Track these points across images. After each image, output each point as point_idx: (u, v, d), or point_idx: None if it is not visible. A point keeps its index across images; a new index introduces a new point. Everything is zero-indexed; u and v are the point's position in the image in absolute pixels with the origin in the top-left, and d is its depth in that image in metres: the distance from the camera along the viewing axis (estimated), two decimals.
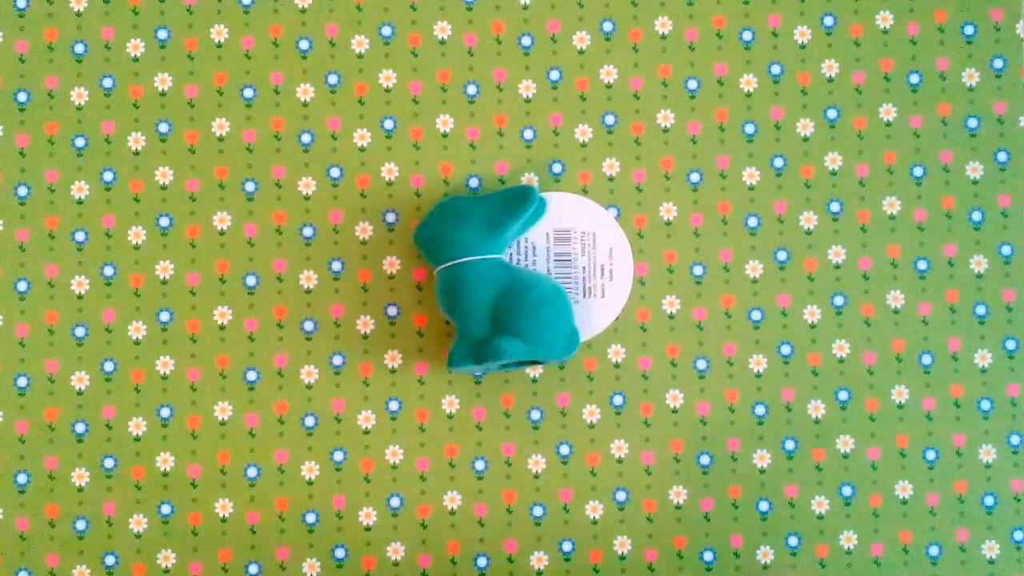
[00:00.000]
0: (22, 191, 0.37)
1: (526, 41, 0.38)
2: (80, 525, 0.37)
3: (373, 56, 0.38)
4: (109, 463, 0.37)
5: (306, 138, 0.38)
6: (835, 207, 0.38)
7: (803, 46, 0.39)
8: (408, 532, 0.37)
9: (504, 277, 0.35)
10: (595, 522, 0.38)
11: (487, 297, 0.35)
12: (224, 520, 0.37)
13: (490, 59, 0.38)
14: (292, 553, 0.37)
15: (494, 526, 0.37)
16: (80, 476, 0.37)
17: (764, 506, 0.38)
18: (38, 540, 0.37)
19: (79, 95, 0.38)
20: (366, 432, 0.37)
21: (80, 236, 0.37)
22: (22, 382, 0.37)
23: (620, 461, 0.38)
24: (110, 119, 0.38)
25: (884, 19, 0.39)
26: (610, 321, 0.38)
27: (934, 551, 0.38)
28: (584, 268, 0.38)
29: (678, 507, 0.38)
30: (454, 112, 0.38)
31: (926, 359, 0.38)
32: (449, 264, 0.35)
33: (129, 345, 0.37)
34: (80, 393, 0.37)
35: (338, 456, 0.37)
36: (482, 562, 0.37)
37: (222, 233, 0.38)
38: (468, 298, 0.35)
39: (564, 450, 0.38)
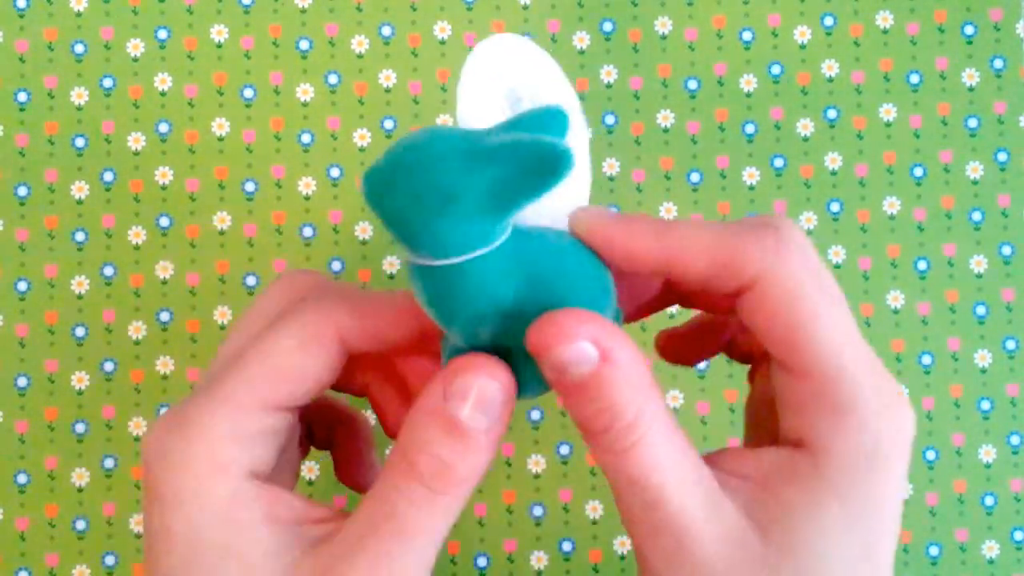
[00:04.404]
0: (22, 191, 0.37)
1: None
2: (80, 525, 0.37)
3: (373, 56, 0.38)
4: (109, 463, 0.37)
5: (306, 138, 0.38)
6: (835, 207, 0.38)
7: (803, 46, 0.39)
8: None
9: (517, 265, 0.22)
10: (595, 522, 0.38)
11: (496, 302, 0.22)
12: None
13: None
14: None
15: (494, 526, 0.37)
16: (80, 476, 0.37)
17: None
18: (38, 540, 0.37)
19: (79, 95, 0.38)
20: None
21: (80, 236, 0.37)
22: (22, 382, 0.37)
23: None
24: (110, 119, 0.38)
25: (884, 19, 0.39)
26: (588, 195, 0.25)
27: (934, 551, 0.38)
28: None
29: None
30: (454, 112, 0.38)
31: (926, 359, 0.38)
32: (431, 263, 0.21)
33: (129, 345, 0.37)
34: (80, 393, 0.37)
35: None
36: (482, 562, 0.37)
37: (222, 233, 0.38)
38: (467, 307, 0.22)
39: (564, 450, 0.38)
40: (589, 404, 0.20)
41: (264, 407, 0.22)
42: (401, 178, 0.21)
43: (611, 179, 0.38)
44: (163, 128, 0.38)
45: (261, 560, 0.21)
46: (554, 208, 0.24)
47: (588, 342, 0.20)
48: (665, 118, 0.38)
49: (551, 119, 0.22)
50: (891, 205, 0.39)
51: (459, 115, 0.23)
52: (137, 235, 0.37)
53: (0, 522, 0.37)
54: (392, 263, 0.38)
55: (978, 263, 0.39)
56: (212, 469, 0.22)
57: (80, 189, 0.37)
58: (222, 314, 0.37)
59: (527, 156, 0.20)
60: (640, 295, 0.26)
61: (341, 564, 0.21)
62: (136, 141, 0.38)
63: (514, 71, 0.23)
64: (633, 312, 0.26)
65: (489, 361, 0.22)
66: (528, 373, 0.22)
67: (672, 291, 0.26)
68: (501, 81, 0.23)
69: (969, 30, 0.39)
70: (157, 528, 0.22)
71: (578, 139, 0.24)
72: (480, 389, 0.21)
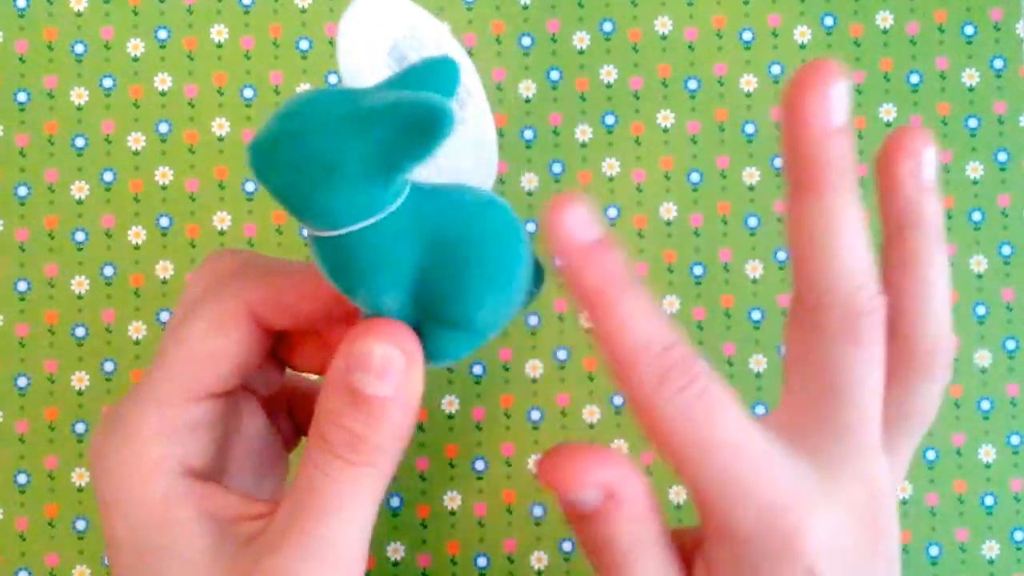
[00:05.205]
0: (22, 191, 0.37)
1: (526, 41, 0.38)
2: (80, 525, 0.37)
3: None
4: None
5: None
6: None
7: (803, 46, 0.39)
8: (408, 532, 0.37)
9: (418, 229, 0.20)
10: None
11: (398, 269, 0.21)
12: None
13: (490, 59, 0.38)
14: None
15: (494, 526, 0.37)
16: (80, 475, 0.37)
17: None
18: (38, 540, 0.37)
19: (79, 95, 0.38)
20: None
21: (80, 236, 0.37)
22: (22, 382, 0.37)
23: None
24: (110, 119, 0.38)
25: (884, 19, 0.39)
26: (495, 143, 0.25)
27: (934, 551, 0.38)
28: None
29: (678, 507, 0.38)
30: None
31: None
32: (325, 235, 0.20)
33: (129, 345, 0.37)
34: (80, 393, 0.37)
35: None
36: (482, 562, 0.37)
37: (222, 233, 0.38)
38: (367, 277, 0.21)
39: None
40: (589, 532, 0.21)
41: (188, 398, 0.22)
42: (281, 150, 0.20)
43: (611, 179, 0.38)
44: (163, 128, 0.38)
45: (199, 558, 0.21)
46: (459, 166, 0.23)
47: (596, 487, 0.21)
48: (665, 118, 0.38)
49: (439, 71, 0.21)
50: None
51: (342, 72, 0.22)
52: (137, 235, 0.37)
53: (0, 522, 0.37)
54: None
55: (978, 263, 0.39)
56: (144, 470, 0.21)
57: (80, 189, 0.37)
58: None
59: (405, 117, 0.19)
60: None
61: (270, 551, 0.21)
62: (136, 141, 0.38)
63: (395, 27, 0.23)
64: None
65: (391, 326, 0.21)
66: (437, 340, 0.22)
67: None
68: (382, 37, 0.23)
69: (969, 30, 0.39)
70: (106, 533, 0.22)
71: (472, 94, 0.24)
72: (382, 356, 0.21)
